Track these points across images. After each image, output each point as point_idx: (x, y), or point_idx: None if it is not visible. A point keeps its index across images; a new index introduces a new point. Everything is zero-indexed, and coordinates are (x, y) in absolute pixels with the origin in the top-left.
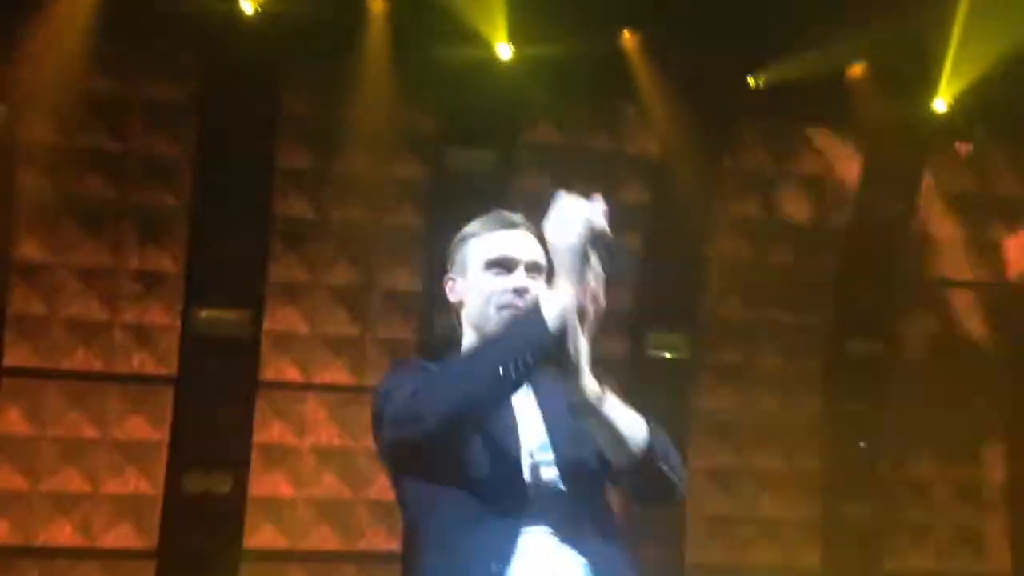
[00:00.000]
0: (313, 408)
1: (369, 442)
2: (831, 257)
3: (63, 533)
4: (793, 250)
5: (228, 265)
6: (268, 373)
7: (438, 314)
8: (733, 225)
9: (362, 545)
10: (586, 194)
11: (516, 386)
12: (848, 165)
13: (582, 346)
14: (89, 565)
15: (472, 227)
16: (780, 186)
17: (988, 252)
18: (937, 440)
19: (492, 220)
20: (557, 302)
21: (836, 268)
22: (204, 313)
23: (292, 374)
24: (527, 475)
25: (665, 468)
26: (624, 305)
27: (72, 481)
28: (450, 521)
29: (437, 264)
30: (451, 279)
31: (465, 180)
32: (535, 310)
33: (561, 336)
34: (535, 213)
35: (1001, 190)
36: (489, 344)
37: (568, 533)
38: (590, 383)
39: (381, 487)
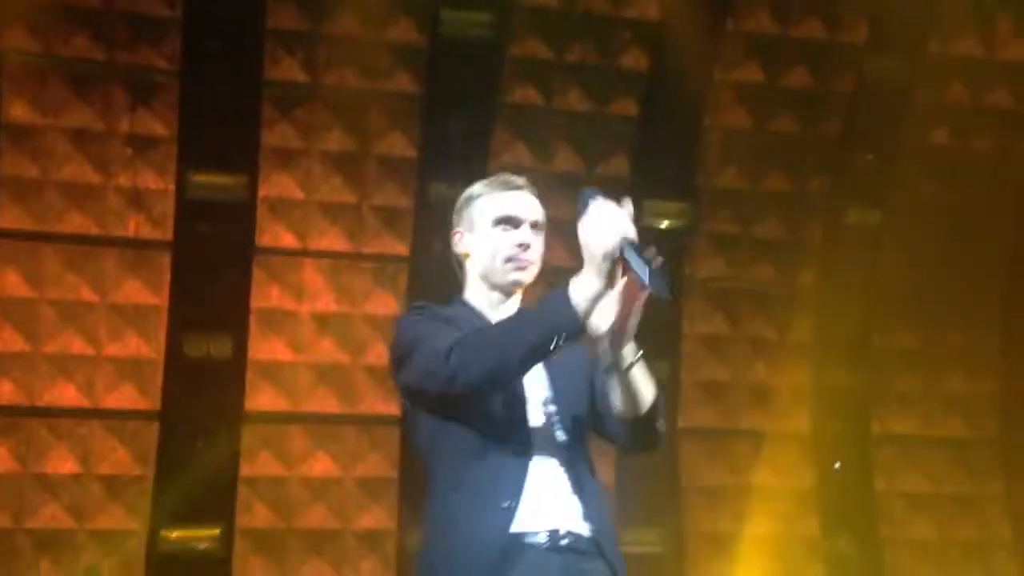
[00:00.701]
0: (310, 274)
1: (367, 308)
2: (833, 124)
3: (66, 394)
4: (794, 117)
5: (220, 130)
6: (264, 239)
7: (434, 183)
8: (733, 92)
9: (361, 408)
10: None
11: (542, 360)
12: (853, 30)
13: (632, 321)
14: (94, 424)
15: (479, 187)
16: (782, 52)
17: (992, 119)
18: (930, 310)
19: (499, 182)
20: (585, 293)
21: (837, 135)
22: (198, 178)
23: (288, 240)
24: (532, 422)
25: (660, 424)
26: (622, 172)
27: (73, 343)
28: (462, 459)
29: (433, 134)
30: (459, 232)
31: (461, 47)
32: (565, 298)
33: (586, 321)
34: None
35: (1008, 55)
36: (524, 322)
37: (565, 473)
38: (629, 352)
39: (379, 353)
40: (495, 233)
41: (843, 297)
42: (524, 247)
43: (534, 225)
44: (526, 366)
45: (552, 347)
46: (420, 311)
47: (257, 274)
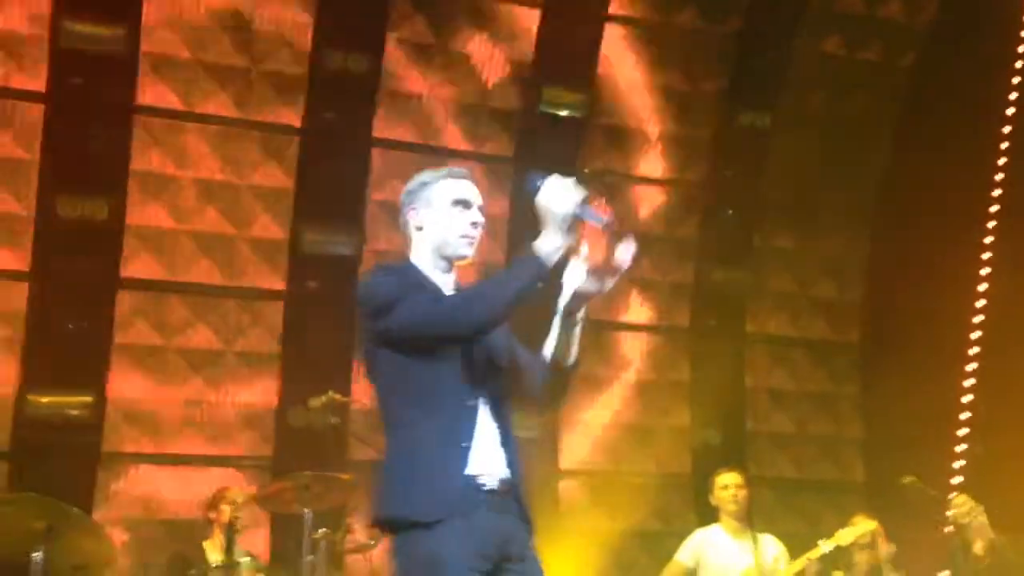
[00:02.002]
0: (194, 140)
1: (254, 180)
2: (732, 23)
3: None
4: (696, 14)
5: None
6: (146, 98)
7: (328, 51)
8: None
9: (244, 282)
10: None
11: (522, 305)
12: None
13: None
14: None
15: (432, 174)
16: None
17: (883, 31)
18: (808, 215)
19: (449, 171)
20: (550, 247)
21: (736, 34)
22: (74, 27)
23: (172, 101)
24: (477, 381)
25: (573, 379)
26: (525, 58)
27: None
28: (424, 398)
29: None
30: (413, 209)
31: None
32: (534, 253)
33: (553, 270)
34: None
35: None
36: (508, 276)
37: (497, 426)
38: (581, 313)
39: (265, 226)
40: (453, 212)
41: (729, 197)
42: (475, 225)
43: (479, 208)
44: (512, 310)
45: (530, 289)
46: (388, 271)
47: (137, 135)
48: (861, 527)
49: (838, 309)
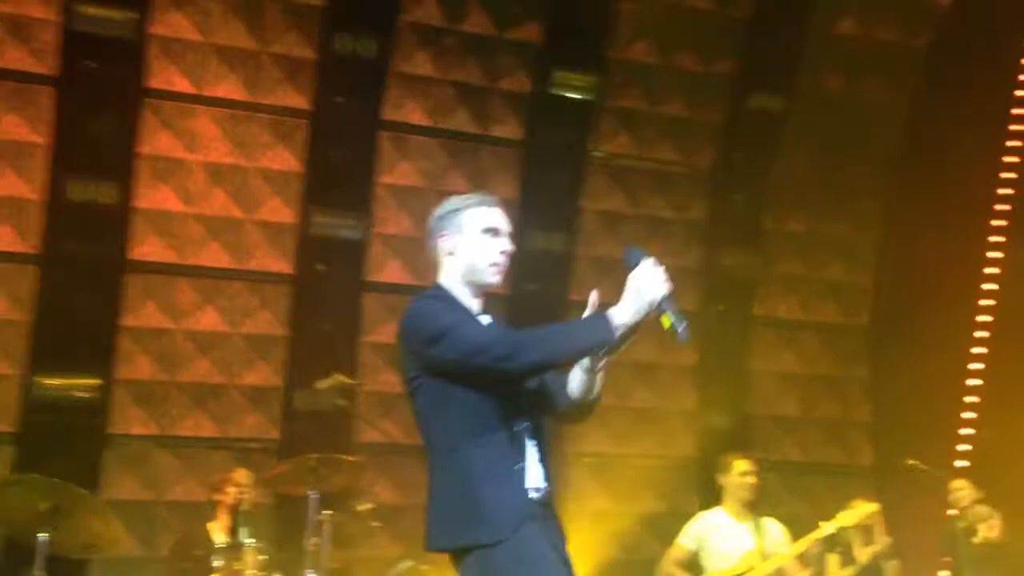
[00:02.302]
0: (204, 123)
1: (263, 163)
2: (744, 7)
3: None
4: None
5: None
6: (156, 81)
7: (338, 34)
8: None
9: (252, 265)
10: None
11: (578, 362)
12: None
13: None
14: None
15: (463, 200)
16: None
17: (896, 14)
18: (819, 199)
19: (480, 198)
20: (625, 322)
21: (748, 18)
22: (84, 10)
23: (182, 84)
24: (523, 403)
25: (596, 407)
26: (532, 39)
27: None
28: (473, 424)
29: None
30: (445, 235)
31: None
32: (609, 321)
33: (618, 343)
34: None
35: None
36: (577, 329)
37: (537, 443)
38: (602, 362)
39: (274, 209)
40: (483, 239)
41: (739, 180)
42: (505, 253)
43: (509, 235)
44: (569, 362)
45: (591, 353)
46: (432, 299)
47: (147, 118)
48: (862, 509)
49: (847, 292)
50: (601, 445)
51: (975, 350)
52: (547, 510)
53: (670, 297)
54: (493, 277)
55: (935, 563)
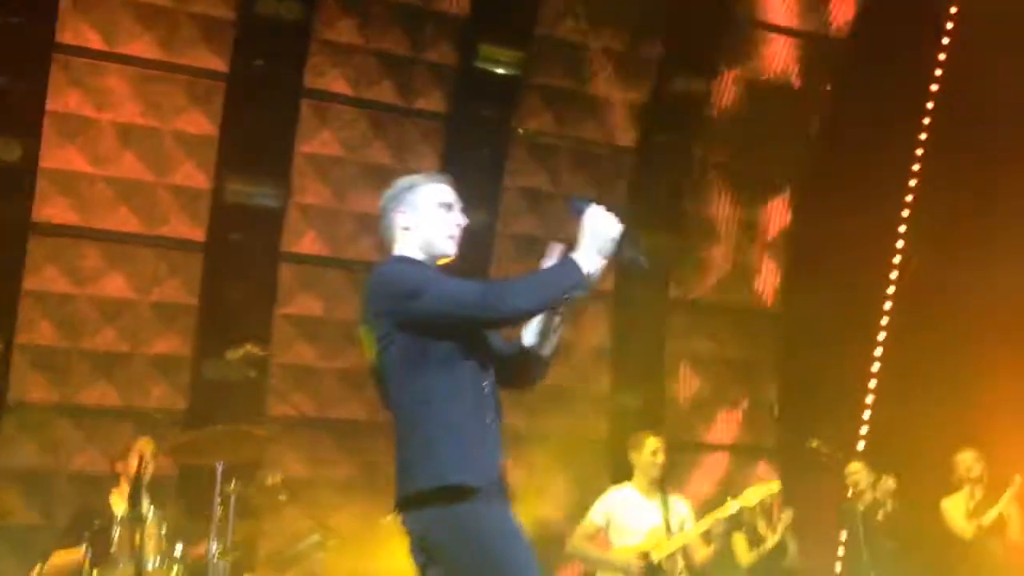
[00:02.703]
0: (116, 81)
1: (177, 125)
2: None
3: None
4: None
5: None
6: (66, 37)
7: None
8: None
9: (163, 231)
10: None
11: (551, 309)
12: None
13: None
14: None
15: (416, 178)
16: None
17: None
18: (738, 182)
19: (432, 175)
20: (589, 263)
21: (675, 0)
22: None
23: (94, 41)
24: (489, 362)
25: (547, 371)
26: (459, 12)
27: None
28: (449, 378)
29: None
30: (400, 212)
31: None
32: (578, 267)
33: (589, 286)
34: None
35: None
36: (551, 276)
37: (496, 400)
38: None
39: (188, 173)
40: (439, 213)
41: (660, 161)
42: (460, 226)
43: (461, 209)
44: (543, 309)
45: (564, 300)
46: (404, 260)
47: (56, 75)
48: (766, 488)
49: (760, 275)
50: (514, 420)
51: (879, 336)
52: (505, 482)
53: (625, 234)
54: (450, 248)
55: (834, 542)
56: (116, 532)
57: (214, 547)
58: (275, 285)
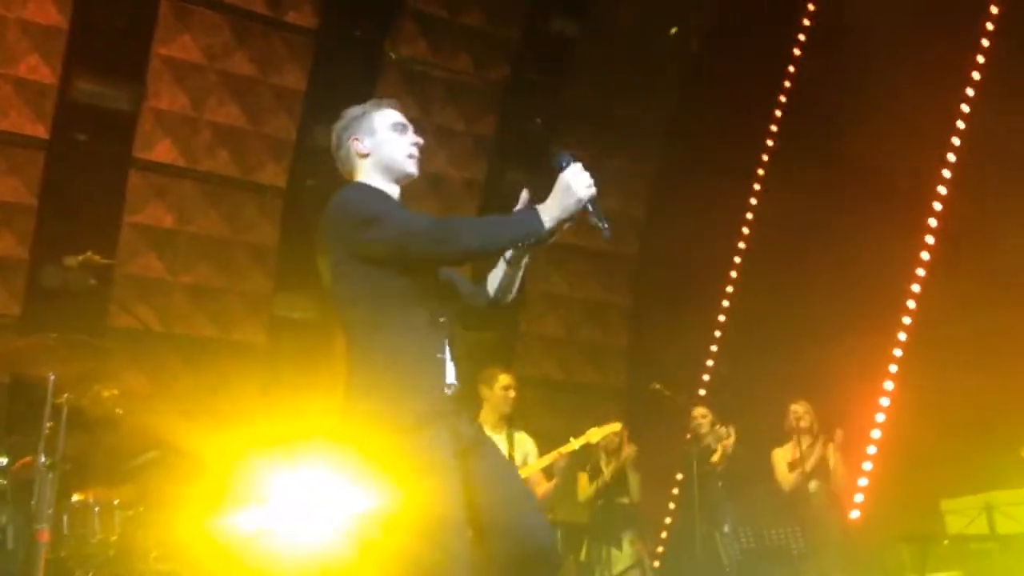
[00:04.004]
0: None
1: (21, 14)
2: None
3: None
4: None
5: None
6: None
7: None
8: None
9: (3, 125)
10: None
11: (505, 251)
12: None
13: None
14: None
15: (367, 106)
16: None
17: None
18: (602, 128)
19: (379, 102)
20: (554, 219)
21: None
22: None
23: None
24: (445, 295)
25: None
26: None
27: None
28: (401, 308)
29: None
30: (356, 139)
31: None
32: (539, 216)
33: (548, 237)
34: None
35: None
36: (511, 221)
37: (452, 332)
38: (529, 257)
39: (30, 65)
40: (394, 136)
41: (528, 99)
42: (417, 145)
43: (415, 130)
44: (499, 251)
45: (520, 245)
46: (361, 188)
47: None
48: (608, 428)
49: (621, 222)
50: None
51: (727, 288)
52: (460, 406)
53: (596, 199)
54: (412, 167)
55: (671, 481)
56: None
57: (42, 459)
58: (123, 192)
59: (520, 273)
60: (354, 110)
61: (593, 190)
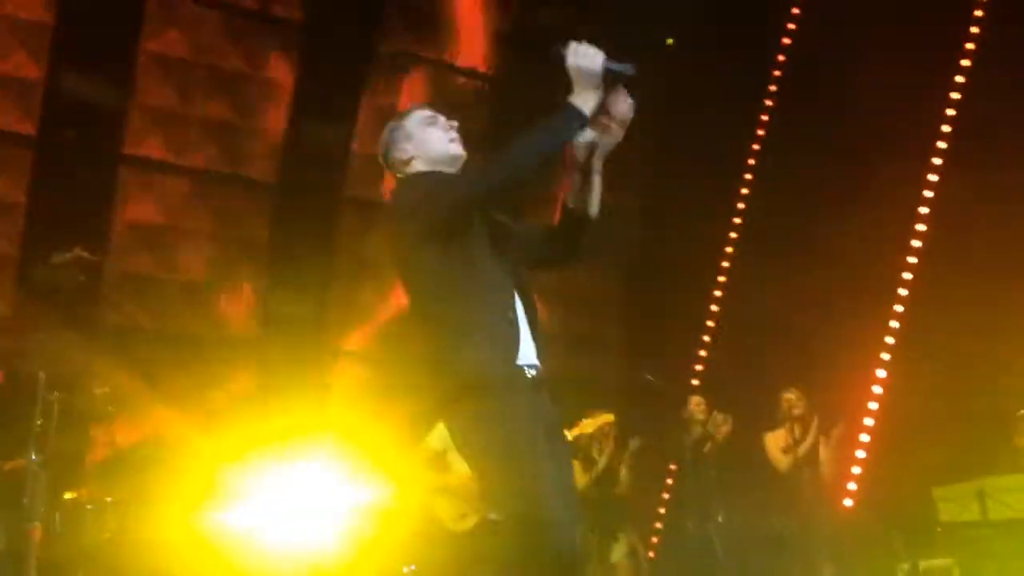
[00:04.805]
0: None
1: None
2: None
3: None
4: None
5: None
6: None
7: None
8: None
9: None
10: None
11: (559, 151)
12: None
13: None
14: None
15: (397, 119)
16: None
17: None
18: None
19: (407, 110)
20: (587, 102)
21: None
22: None
23: None
24: (511, 267)
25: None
26: None
27: None
28: (471, 281)
29: None
30: (401, 150)
31: None
32: (573, 107)
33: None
34: None
35: None
36: (551, 125)
37: (528, 307)
38: (599, 162)
39: (17, 62)
40: (430, 130)
41: (519, 92)
42: (453, 127)
43: (444, 114)
44: (550, 156)
45: (569, 139)
46: (411, 179)
47: None
48: (601, 418)
49: (613, 213)
50: None
51: (719, 279)
52: (542, 389)
53: (608, 58)
54: (457, 149)
55: (664, 471)
56: None
57: (34, 457)
58: (113, 188)
59: (597, 180)
60: (389, 125)
61: (600, 53)
